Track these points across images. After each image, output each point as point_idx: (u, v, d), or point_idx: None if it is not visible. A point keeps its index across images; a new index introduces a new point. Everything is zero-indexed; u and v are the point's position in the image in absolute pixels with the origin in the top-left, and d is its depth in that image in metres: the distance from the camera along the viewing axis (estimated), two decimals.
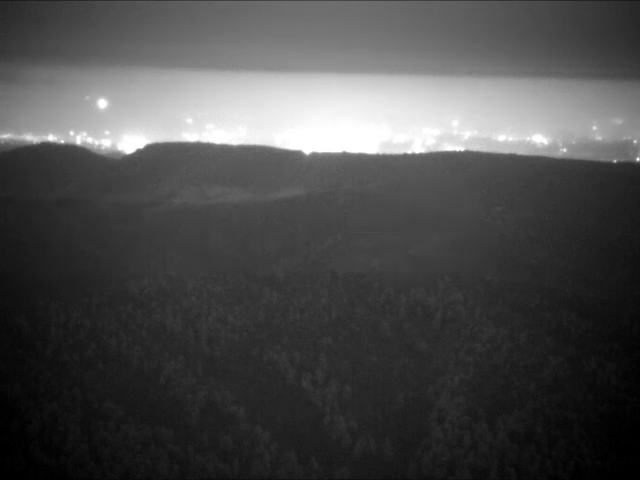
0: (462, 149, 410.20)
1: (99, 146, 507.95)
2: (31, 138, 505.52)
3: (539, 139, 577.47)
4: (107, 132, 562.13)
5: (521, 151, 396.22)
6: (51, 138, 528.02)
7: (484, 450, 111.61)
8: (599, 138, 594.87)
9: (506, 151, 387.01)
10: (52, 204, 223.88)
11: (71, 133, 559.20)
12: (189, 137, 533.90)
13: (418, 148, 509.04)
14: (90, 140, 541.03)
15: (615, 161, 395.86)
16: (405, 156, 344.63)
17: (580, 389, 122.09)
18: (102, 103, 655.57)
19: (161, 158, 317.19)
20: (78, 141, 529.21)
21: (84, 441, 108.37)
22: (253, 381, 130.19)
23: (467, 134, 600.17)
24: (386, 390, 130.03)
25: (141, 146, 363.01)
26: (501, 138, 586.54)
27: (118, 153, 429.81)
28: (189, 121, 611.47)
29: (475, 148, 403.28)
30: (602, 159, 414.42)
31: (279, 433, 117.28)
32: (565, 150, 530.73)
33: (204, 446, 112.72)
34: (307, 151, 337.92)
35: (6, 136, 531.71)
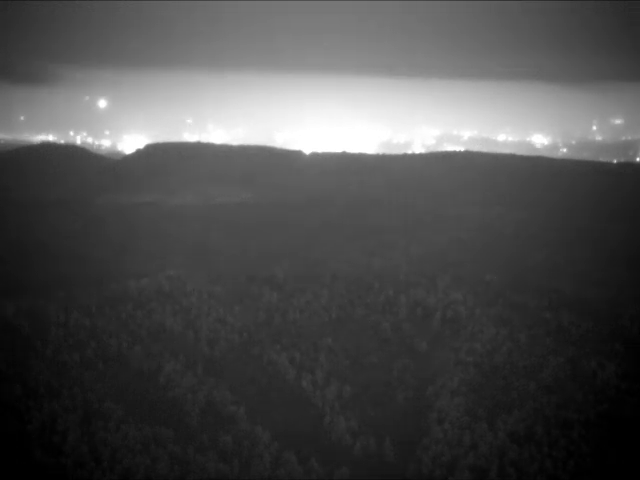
0: (462, 149, 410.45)
1: (99, 146, 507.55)
2: (31, 138, 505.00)
3: (539, 139, 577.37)
4: (107, 132, 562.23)
5: (521, 151, 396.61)
6: (51, 138, 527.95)
7: (484, 450, 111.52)
8: (599, 138, 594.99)
9: (506, 151, 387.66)
10: (52, 204, 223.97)
11: (71, 133, 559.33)
12: (189, 137, 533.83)
13: (418, 148, 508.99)
14: (90, 140, 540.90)
15: (615, 161, 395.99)
16: (405, 156, 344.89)
17: (580, 389, 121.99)
18: (102, 103, 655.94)
19: (161, 158, 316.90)
20: (78, 141, 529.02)
21: (84, 441, 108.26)
22: (253, 381, 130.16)
23: (467, 134, 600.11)
24: (386, 390, 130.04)
25: (141, 146, 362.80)
26: (501, 138, 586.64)
27: (118, 153, 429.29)
28: (189, 121, 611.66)
29: (475, 148, 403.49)
30: (602, 159, 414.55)
31: (279, 433, 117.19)
32: (565, 150, 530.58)
33: (204, 446, 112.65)
34: (307, 151, 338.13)
35: (6, 136, 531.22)
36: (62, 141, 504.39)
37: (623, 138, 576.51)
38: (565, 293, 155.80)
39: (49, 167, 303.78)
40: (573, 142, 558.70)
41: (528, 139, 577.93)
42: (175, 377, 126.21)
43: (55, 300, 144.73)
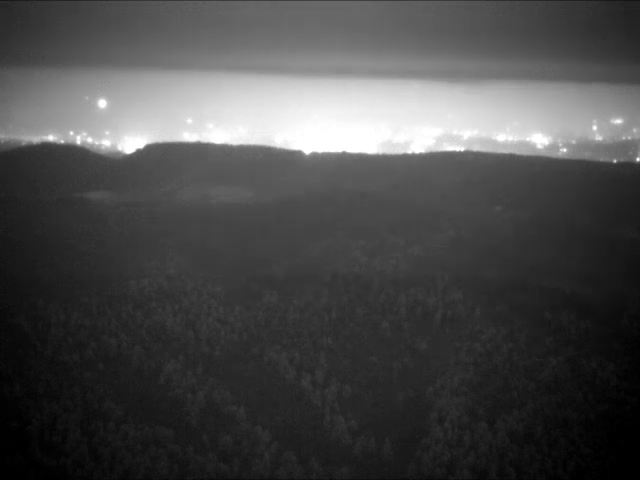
0: (462, 149, 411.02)
1: (99, 146, 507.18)
2: (31, 138, 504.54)
3: (539, 139, 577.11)
4: (107, 132, 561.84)
5: (521, 151, 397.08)
6: (51, 138, 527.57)
7: (484, 450, 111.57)
8: (599, 138, 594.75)
9: (506, 151, 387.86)
10: (52, 204, 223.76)
11: (71, 133, 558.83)
12: (189, 137, 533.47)
13: (418, 148, 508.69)
14: (90, 140, 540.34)
15: (615, 161, 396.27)
16: (405, 156, 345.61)
17: (580, 389, 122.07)
18: (102, 103, 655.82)
19: (161, 158, 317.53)
20: (78, 141, 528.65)
21: (84, 441, 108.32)
22: (253, 381, 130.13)
23: (467, 134, 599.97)
24: (386, 390, 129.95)
25: (141, 146, 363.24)
26: (501, 138, 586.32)
27: (118, 153, 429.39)
28: (189, 121, 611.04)
29: (475, 148, 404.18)
30: (602, 159, 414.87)
31: (279, 433, 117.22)
32: (565, 150, 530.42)
33: (204, 446, 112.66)
34: (307, 151, 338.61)
35: (6, 136, 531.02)
36: (62, 141, 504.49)
37: (623, 138, 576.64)
38: (565, 293, 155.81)
39: (49, 167, 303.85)
40: (573, 142, 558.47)
41: (528, 139, 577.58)
42: (175, 377, 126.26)
43: (55, 300, 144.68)
